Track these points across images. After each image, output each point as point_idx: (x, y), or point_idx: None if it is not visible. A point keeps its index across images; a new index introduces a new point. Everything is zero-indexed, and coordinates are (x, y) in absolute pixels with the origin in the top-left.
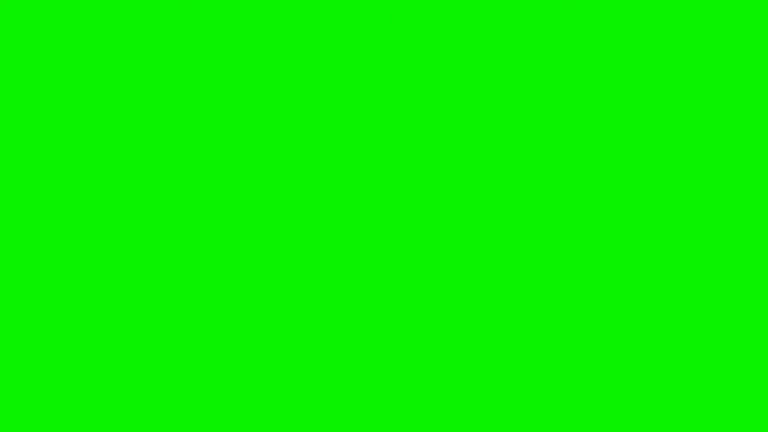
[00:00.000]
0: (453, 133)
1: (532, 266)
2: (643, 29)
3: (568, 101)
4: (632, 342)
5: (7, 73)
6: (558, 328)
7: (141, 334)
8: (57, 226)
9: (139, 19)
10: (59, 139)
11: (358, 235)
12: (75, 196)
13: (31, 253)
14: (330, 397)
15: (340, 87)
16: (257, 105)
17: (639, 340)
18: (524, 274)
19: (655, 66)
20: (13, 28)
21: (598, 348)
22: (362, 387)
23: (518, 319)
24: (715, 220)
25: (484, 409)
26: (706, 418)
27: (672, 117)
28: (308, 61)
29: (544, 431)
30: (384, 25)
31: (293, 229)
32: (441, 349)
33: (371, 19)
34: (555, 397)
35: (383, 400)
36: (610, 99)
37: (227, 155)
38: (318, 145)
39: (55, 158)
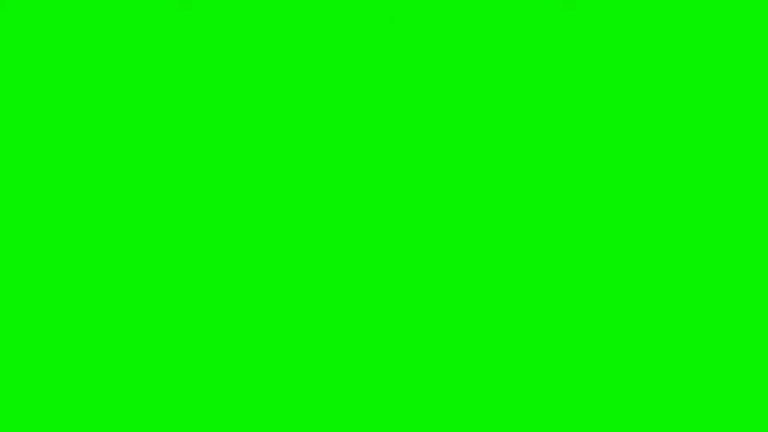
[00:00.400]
0: (453, 134)
1: (531, 266)
2: (643, 29)
3: (567, 101)
4: (631, 341)
5: (6, 73)
6: (558, 329)
7: (140, 334)
8: (56, 226)
9: (139, 19)
10: (58, 139)
11: (358, 235)
12: (74, 195)
13: (31, 253)
14: (329, 397)
15: (340, 87)
16: (256, 105)
17: (638, 340)
18: (524, 274)
19: (655, 66)
20: (13, 28)
21: (597, 347)
22: (361, 387)
23: (518, 319)
24: (714, 220)
25: (483, 410)
26: (706, 417)
27: (672, 117)
28: (308, 61)
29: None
30: (384, 25)
31: (293, 229)
32: (440, 348)
33: (371, 19)
34: (554, 398)
35: (382, 400)
36: (609, 99)
37: (226, 155)
38: (318, 145)
39: (53, 158)
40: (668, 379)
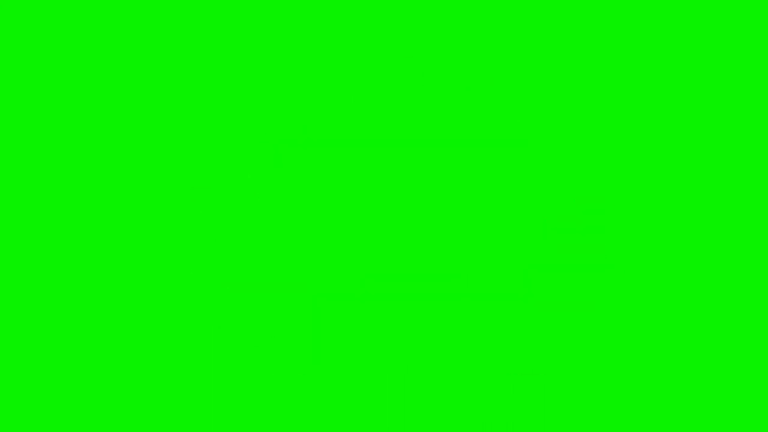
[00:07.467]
0: (452, 134)
1: (531, 266)
2: (643, 29)
3: (566, 102)
4: (631, 341)
5: (6, 74)
6: (557, 329)
7: (139, 335)
8: (55, 226)
9: (139, 20)
10: (57, 140)
11: (357, 234)
12: (73, 195)
13: (31, 253)
14: (328, 397)
15: (340, 88)
16: (255, 105)
17: (637, 340)
18: (523, 274)
19: (654, 66)
20: (13, 28)
21: (596, 348)
22: (360, 387)
23: (517, 319)
24: (714, 220)
25: (481, 410)
26: (706, 418)
27: (671, 117)
28: (308, 61)
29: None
30: (383, 26)
31: (292, 229)
32: (439, 348)
33: (371, 19)
34: (553, 398)
35: (380, 401)
36: (609, 100)
37: (225, 155)
38: (317, 145)
39: (53, 158)
40: (668, 379)
